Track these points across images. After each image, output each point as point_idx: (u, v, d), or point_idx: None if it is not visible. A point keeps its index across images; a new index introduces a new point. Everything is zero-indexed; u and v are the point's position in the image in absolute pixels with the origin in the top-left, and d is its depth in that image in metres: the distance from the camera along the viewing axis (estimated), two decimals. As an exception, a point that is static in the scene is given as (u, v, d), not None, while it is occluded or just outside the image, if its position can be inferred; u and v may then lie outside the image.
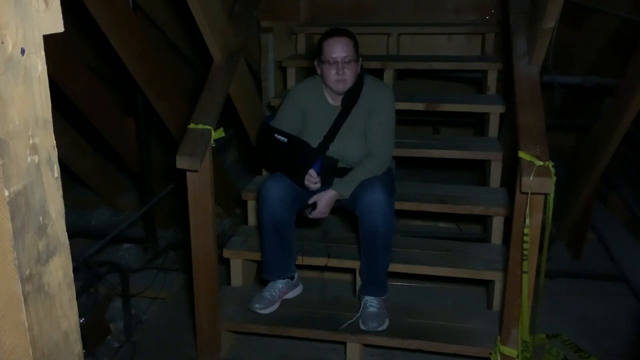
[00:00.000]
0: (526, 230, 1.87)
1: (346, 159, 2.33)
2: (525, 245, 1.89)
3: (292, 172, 2.32)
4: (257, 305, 2.38)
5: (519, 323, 2.01)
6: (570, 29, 3.42)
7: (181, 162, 2.14)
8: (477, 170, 3.53)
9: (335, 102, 2.35)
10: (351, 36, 2.27)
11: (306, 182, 2.28)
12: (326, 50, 2.24)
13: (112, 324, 3.20)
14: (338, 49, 2.22)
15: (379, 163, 2.31)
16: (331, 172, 2.32)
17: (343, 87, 2.28)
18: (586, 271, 3.30)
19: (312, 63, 2.40)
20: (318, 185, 2.29)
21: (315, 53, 2.33)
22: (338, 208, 2.47)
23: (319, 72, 2.32)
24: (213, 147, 2.26)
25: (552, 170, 1.85)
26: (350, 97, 2.31)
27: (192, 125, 2.25)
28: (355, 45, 2.27)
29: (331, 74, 2.24)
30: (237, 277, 2.63)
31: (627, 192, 3.92)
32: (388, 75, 3.10)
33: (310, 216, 2.31)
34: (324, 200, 2.27)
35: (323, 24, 3.23)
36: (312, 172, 2.28)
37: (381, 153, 2.31)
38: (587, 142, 3.22)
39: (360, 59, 2.30)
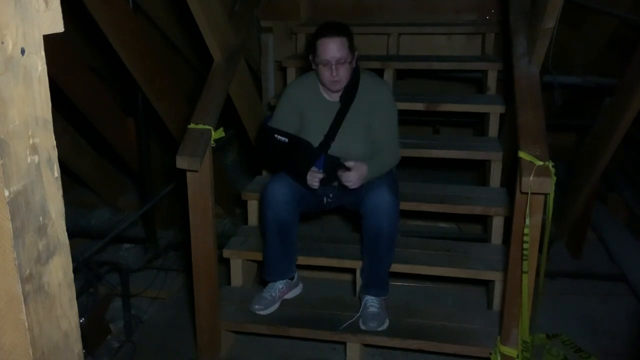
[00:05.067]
0: (526, 230, 1.87)
1: (350, 157, 2.28)
2: (525, 245, 1.89)
3: (295, 173, 2.30)
4: (256, 307, 2.38)
5: (519, 323, 2.01)
6: (570, 29, 3.42)
7: (181, 162, 2.14)
8: (477, 170, 3.53)
9: (332, 97, 2.33)
10: (345, 33, 2.21)
11: (309, 181, 2.24)
12: (320, 50, 2.20)
13: (112, 324, 3.20)
14: (332, 50, 2.18)
15: (392, 156, 2.31)
16: (335, 171, 2.30)
17: (339, 87, 2.27)
18: (586, 271, 3.30)
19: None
20: (322, 176, 2.25)
21: (310, 48, 2.30)
22: (339, 208, 2.47)
23: (314, 67, 2.29)
24: (213, 147, 2.26)
25: (552, 170, 1.85)
26: (348, 93, 2.29)
27: (192, 125, 2.25)
28: (350, 43, 2.22)
29: (326, 74, 2.22)
30: (237, 277, 2.63)
31: (627, 192, 3.92)
32: (388, 75, 3.10)
33: (343, 180, 2.20)
34: (361, 173, 2.20)
35: (323, 24, 3.23)
36: (315, 169, 2.25)
37: (392, 146, 2.31)
38: (587, 142, 3.22)
39: (356, 52, 2.27)
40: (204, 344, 2.38)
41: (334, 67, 2.19)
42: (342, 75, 2.22)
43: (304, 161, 2.27)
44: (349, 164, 2.21)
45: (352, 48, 2.23)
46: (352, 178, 2.20)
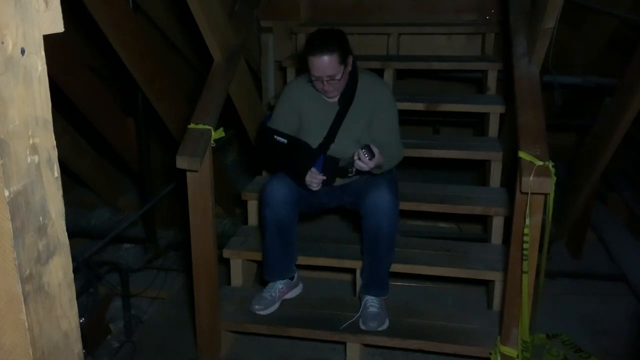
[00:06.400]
0: (526, 230, 1.87)
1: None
2: (525, 245, 1.89)
3: (294, 174, 2.30)
4: (256, 307, 2.38)
5: (519, 323, 2.01)
6: (570, 29, 3.42)
7: (181, 162, 2.14)
8: (477, 170, 3.53)
9: (331, 99, 2.33)
10: (333, 48, 2.15)
11: (308, 182, 2.23)
12: (309, 65, 2.18)
13: (112, 324, 3.20)
14: (320, 68, 2.15)
15: (397, 153, 2.29)
16: (334, 172, 2.29)
17: (333, 95, 2.27)
18: (586, 271, 3.30)
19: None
20: (322, 178, 2.23)
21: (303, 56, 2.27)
22: (339, 208, 2.47)
23: None
24: (213, 147, 2.26)
25: (552, 170, 1.85)
26: (346, 95, 2.29)
27: (192, 125, 2.25)
28: (341, 56, 2.16)
29: (318, 86, 2.23)
30: (237, 277, 2.63)
31: (627, 192, 3.92)
32: (388, 75, 3.10)
33: (357, 161, 2.09)
34: (377, 162, 2.10)
35: (323, 24, 3.22)
36: (314, 170, 2.25)
37: (395, 146, 2.30)
38: (587, 142, 3.22)
39: (350, 58, 2.22)
40: (204, 344, 2.38)
41: (325, 82, 2.19)
42: (335, 86, 2.22)
43: (303, 162, 2.27)
44: (373, 149, 2.09)
45: (344, 59, 2.18)
46: (368, 162, 2.07)
